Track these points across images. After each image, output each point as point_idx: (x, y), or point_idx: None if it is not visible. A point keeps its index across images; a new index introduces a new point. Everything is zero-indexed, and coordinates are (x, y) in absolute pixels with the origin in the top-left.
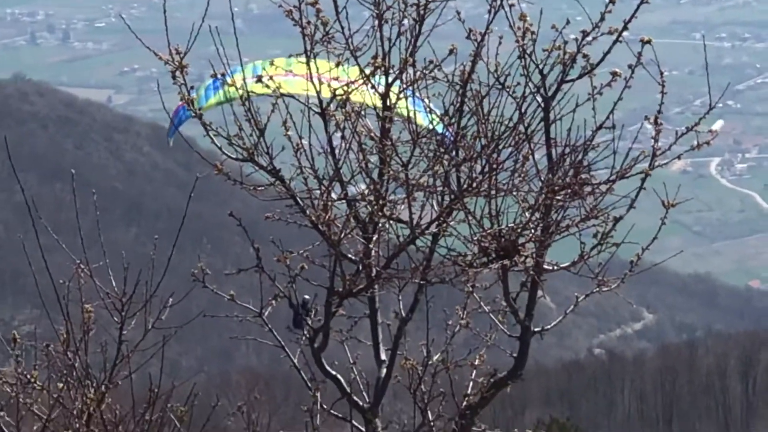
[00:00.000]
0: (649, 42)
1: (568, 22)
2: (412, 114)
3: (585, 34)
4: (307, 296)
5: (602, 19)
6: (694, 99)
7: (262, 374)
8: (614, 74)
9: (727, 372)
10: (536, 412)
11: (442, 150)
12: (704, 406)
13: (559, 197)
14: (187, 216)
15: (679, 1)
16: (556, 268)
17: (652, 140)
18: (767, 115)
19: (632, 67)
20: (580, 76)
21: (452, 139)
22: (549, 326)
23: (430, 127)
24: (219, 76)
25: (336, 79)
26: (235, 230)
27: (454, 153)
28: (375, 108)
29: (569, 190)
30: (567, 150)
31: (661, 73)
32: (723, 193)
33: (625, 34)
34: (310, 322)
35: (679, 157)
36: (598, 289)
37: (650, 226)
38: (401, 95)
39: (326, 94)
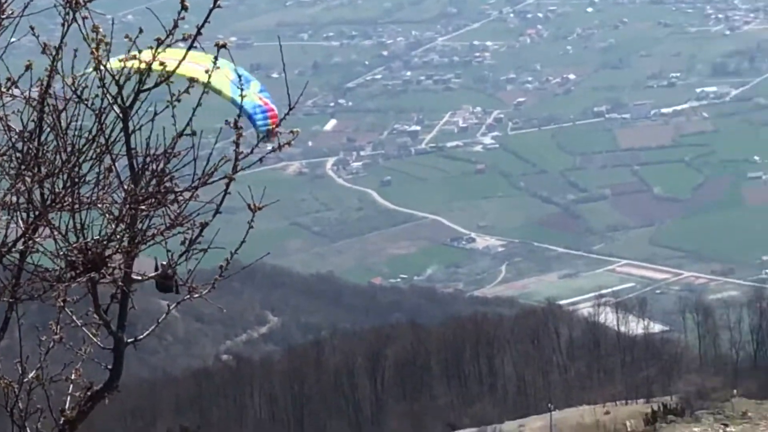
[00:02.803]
0: (224, 46)
1: (141, 31)
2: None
3: (159, 42)
4: (163, 262)
5: (175, 26)
6: (305, 100)
7: None
8: (192, 80)
9: (355, 370)
10: (167, 421)
11: (23, 167)
12: (334, 405)
13: (143, 207)
14: None
15: (285, 4)
16: (144, 278)
17: (234, 144)
18: (379, 111)
19: (209, 72)
20: (157, 85)
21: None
22: (141, 336)
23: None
24: None
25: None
26: None
27: (36, 169)
28: None
29: (153, 200)
30: (148, 159)
31: (240, 77)
32: (340, 192)
33: (231, 39)
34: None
35: (260, 161)
36: (189, 296)
37: (270, 229)
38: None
39: None
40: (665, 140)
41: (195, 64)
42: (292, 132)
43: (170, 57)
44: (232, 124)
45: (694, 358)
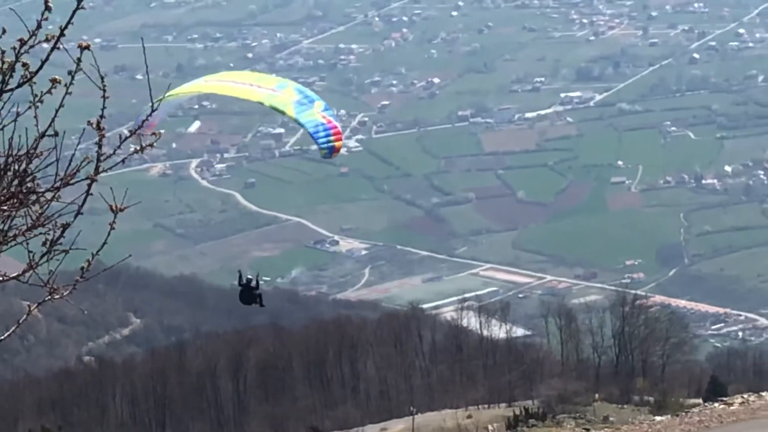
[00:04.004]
0: (87, 47)
1: (4, 32)
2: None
3: (22, 42)
4: (250, 275)
5: (39, 27)
6: None
7: None
8: (53, 81)
9: (218, 371)
10: (28, 422)
11: None
12: (197, 407)
13: (4, 207)
14: None
15: (149, 5)
16: (4, 278)
17: (96, 145)
18: (243, 114)
19: (72, 73)
20: (20, 85)
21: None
22: (2, 337)
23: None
24: None
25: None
26: None
27: None
28: None
29: (15, 200)
30: (10, 160)
31: (102, 78)
32: (204, 194)
33: (95, 40)
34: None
35: (123, 161)
36: (49, 297)
37: (133, 231)
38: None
39: None
40: (529, 144)
41: (260, 87)
42: (155, 134)
43: (238, 79)
44: (94, 125)
45: (556, 363)
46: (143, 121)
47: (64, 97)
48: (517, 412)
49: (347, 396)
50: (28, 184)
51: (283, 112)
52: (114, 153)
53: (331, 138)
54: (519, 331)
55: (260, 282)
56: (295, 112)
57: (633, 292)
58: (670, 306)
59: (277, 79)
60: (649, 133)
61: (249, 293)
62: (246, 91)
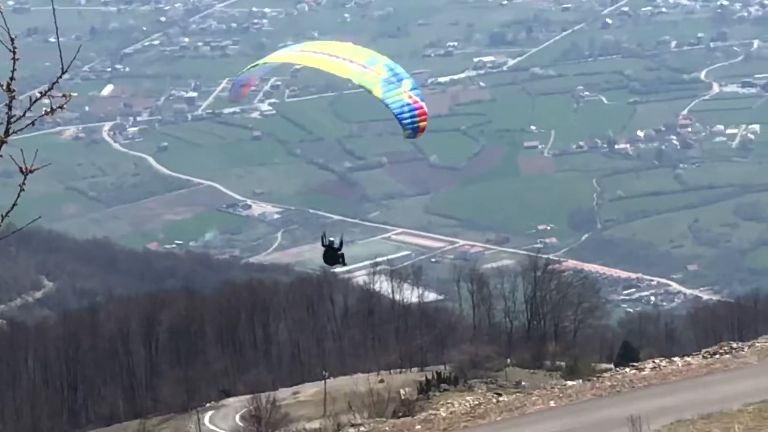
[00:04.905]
0: None
1: None
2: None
3: None
4: (332, 238)
5: None
6: (82, 65)
7: None
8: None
9: (130, 335)
10: None
11: None
12: (109, 370)
13: None
14: None
15: None
16: None
17: (6, 107)
18: (156, 77)
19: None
20: None
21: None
22: None
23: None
24: None
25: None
26: None
27: None
28: None
29: None
30: None
31: (12, 40)
32: (117, 158)
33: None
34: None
35: (33, 123)
36: None
37: (46, 194)
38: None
39: None
40: (442, 109)
41: (351, 62)
42: (65, 96)
43: (332, 51)
44: (4, 87)
45: (468, 327)
46: (52, 84)
47: None
48: (429, 377)
49: (259, 360)
50: None
51: (370, 91)
52: (24, 115)
53: (416, 119)
54: (431, 296)
55: (343, 243)
56: (382, 92)
57: (545, 257)
58: (582, 271)
59: (369, 54)
60: (562, 98)
61: (333, 254)
62: (337, 66)
